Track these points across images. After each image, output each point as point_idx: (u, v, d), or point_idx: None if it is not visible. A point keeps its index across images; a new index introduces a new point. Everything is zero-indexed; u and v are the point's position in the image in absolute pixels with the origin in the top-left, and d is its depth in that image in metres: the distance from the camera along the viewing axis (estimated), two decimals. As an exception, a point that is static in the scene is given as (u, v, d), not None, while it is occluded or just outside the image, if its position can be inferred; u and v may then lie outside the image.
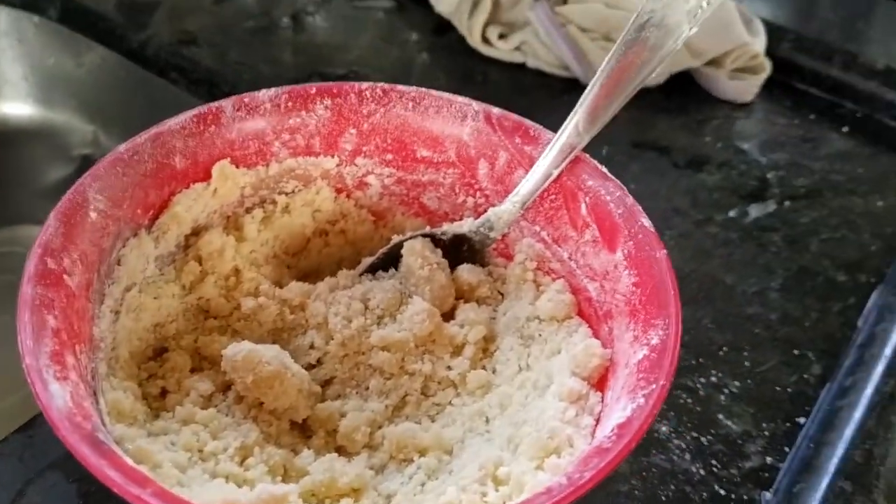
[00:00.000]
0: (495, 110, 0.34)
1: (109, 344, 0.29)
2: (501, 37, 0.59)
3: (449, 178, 0.35)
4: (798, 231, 0.48)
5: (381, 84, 0.35)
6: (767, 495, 0.35)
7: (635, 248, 0.29)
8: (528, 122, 0.34)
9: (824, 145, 0.55)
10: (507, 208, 0.33)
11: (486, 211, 0.35)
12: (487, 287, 0.35)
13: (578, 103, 0.32)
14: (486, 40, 0.60)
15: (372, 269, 0.35)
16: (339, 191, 0.36)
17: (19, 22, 0.67)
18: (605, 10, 0.56)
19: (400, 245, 0.35)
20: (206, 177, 0.33)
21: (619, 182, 0.31)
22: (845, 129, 0.56)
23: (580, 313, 0.32)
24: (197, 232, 0.33)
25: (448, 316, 0.34)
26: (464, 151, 0.35)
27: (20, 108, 0.71)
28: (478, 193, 0.35)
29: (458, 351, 0.33)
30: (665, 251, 0.28)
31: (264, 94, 0.34)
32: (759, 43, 0.57)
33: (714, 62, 0.57)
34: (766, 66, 0.57)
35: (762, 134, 0.55)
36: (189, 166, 0.32)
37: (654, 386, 0.25)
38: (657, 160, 0.53)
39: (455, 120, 0.34)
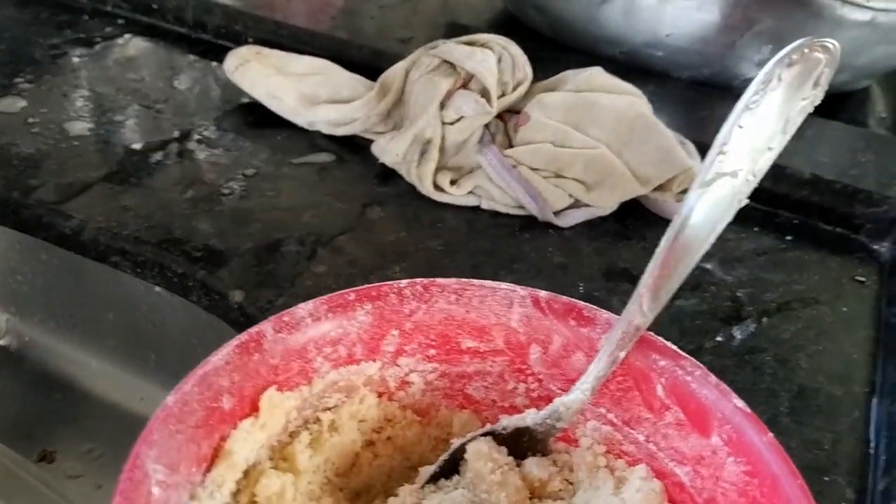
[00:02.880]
0: (542, 294, 0.33)
1: None
2: (452, 182, 0.59)
3: (497, 367, 0.34)
4: (785, 348, 0.50)
5: (420, 280, 0.33)
6: None
7: (735, 432, 0.28)
8: (580, 303, 0.33)
9: (776, 256, 0.57)
10: (576, 397, 0.32)
11: (541, 396, 0.33)
12: (558, 480, 0.33)
13: (641, 282, 0.31)
14: (437, 187, 0.59)
15: (432, 478, 0.33)
16: (380, 394, 0.34)
17: None
18: (553, 150, 0.58)
19: (460, 448, 0.33)
20: (253, 410, 0.30)
21: (694, 360, 0.31)
22: (789, 237, 0.59)
23: (670, 500, 0.31)
24: (246, 473, 0.30)
25: (526, 519, 0.32)
26: (513, 338, 0.33)
27: None
28: (530, 378, 0.34)
29: (549, 559, 0.31)
30: (771, 435, 0.28)
31: (303, 308, 0.31)
32: (697, 165, 0.60)
33: (660, 187, 0.59)
34: (708, 186, 0.60)
35: (718, 252, 0.57)
36: (236, 404, 0.29)
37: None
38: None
39: (501, 307, 0.33)
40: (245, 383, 0.29)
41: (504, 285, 0.33)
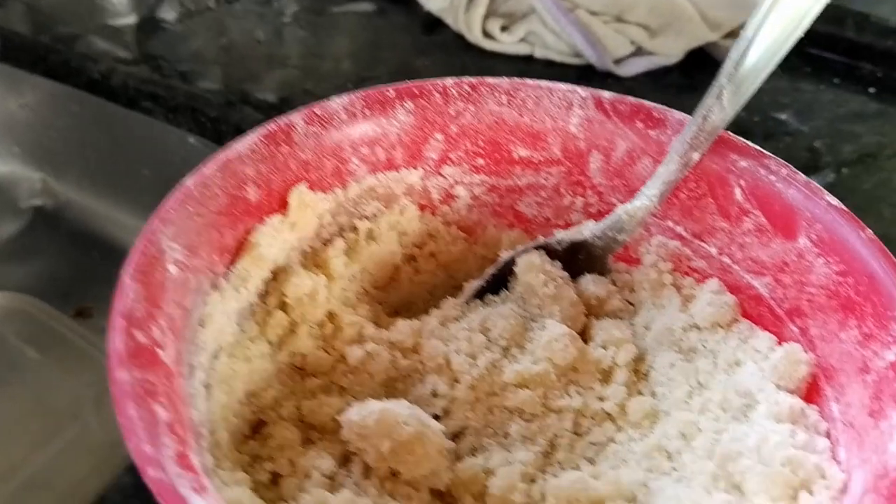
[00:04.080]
0: (606, 94, 0.29)
1: (209, 428, 0.23)
2: (503, 29, 0.55)
3: (552, 179, 0.31)
4: (865, 199, 0.45)
5: (467, 78, 0.30)
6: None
7: (826, 231, 0.25)
8: (648, 103, 0.29)
9: (857, 108, 0.52)
10: (641, 204, 0.28)
11: (601, 211, 0.30)
12: (617, 299, 0.30)
13: (722, 71, 0.27)
14: (486, 34, 0.55)
15: (478, 294, 0.30)
16: (423, 207, 0.31)
17: (-63, 62, 0.58)
18: (614, -10, 0.52)
19: (509, 263, 0.30)
20: (282, 207, 0.27)
21: (780, 159, 0.27)
22: (871, 90, 0.54)
23: (745, 315, 0.28)
24: (275, 275, 0.27)
25: (581, 337, 0.29)
26: (571, 145, 0.30)
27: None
28: (588, 192, 0.30)
29: (606, 377, 0.28)
30: (871, 231, 0.24)
31: (337, 102, 0.28)
32: (773, 10, 0.54)
33: (731, 34, 0.54)
34: (784, 34, 0.54)
35: (794, 103, 0.52)
36: (263, 197, 0.26)
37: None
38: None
39: (558, 110, 0.30)
40: (272, 176, 0.27)
41: (562, 85, 0.30)
